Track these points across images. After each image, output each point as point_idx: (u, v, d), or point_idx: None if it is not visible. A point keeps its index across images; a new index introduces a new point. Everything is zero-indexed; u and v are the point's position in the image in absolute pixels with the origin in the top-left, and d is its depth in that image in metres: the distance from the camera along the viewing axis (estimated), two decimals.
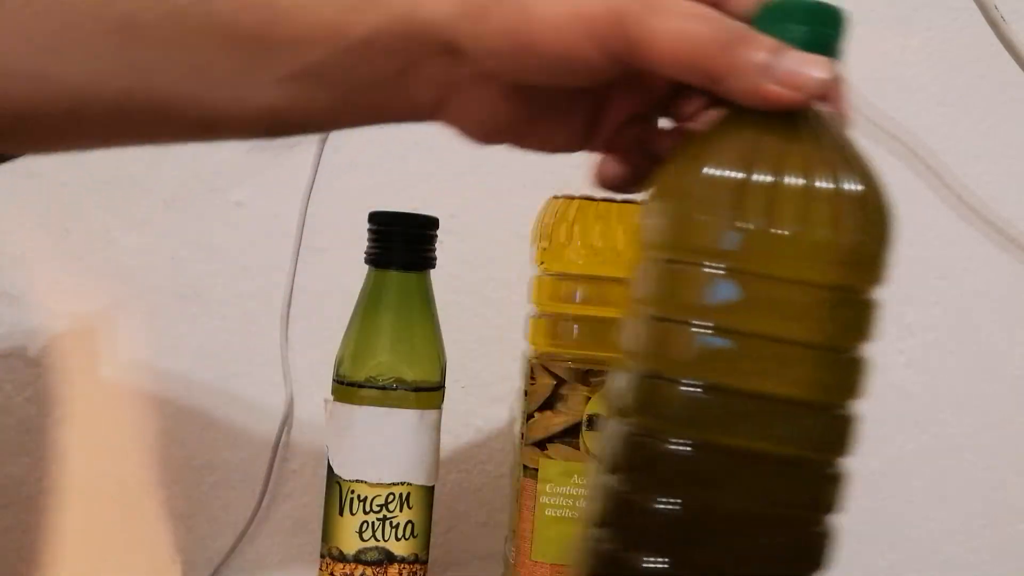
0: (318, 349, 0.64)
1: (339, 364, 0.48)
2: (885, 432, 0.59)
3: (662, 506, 0.30)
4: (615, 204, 0.47)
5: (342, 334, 0.63)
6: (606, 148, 0.36)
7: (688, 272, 0.30)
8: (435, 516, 0.52)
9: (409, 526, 0.47)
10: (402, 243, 0.47)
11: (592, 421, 0.47)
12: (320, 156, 0.63)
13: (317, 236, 0.63)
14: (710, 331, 0.30)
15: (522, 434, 0.49)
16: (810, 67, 0.31)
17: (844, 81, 0.35)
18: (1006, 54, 0.54)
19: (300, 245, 0.63)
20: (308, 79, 0.31)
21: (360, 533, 0.46)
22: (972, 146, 0.59)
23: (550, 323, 0.49)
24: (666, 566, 0.30)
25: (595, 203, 0.47)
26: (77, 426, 0.64)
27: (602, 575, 0.32)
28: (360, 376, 0.47)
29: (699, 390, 0.30)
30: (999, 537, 0.59)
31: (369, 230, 0.49)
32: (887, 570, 0.60)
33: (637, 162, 0.35)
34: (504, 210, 0.62)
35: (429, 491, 0.48)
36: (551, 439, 0.48)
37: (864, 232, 0.30)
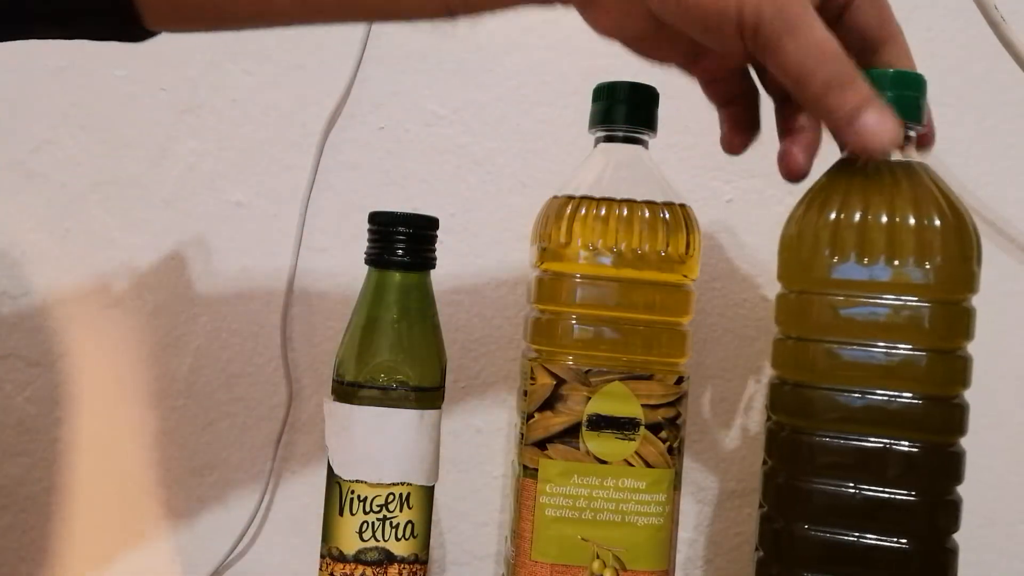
0: (318, 349, 0.64)
1: (339, 364, 0.48)
2: None
3: (804, 486, 0.42)
4: (615, 203, 0.47)
5: (342, 334, 0.63)
6: (705, 80, 0.45)
7: (813, 300, 0.43)
8: (435, 516, 0.52)
9: (409, 526, 0.47)
10: (402, 243, 0.47)
11: (592, 421, 0.47)
12: (320, 156, 0.63)
13: (317, 236, 0.64)
14: (840, 345, 0.42)
15: (522, 434, 0.49)
16: (884, 127, 0.38)
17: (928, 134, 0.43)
18: (1006, 54, 0.54)
19: (300, 245, 0.63)
20: None
21: (360, 533, 0.46)
22: (972, 146, 0.59)
23: (550, 323, 0.49)
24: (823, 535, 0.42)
25: (595, 203, 0.47)
26: (77, 426, 0.64)
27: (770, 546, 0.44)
28: (360, 376, 0.47)
29: (831, 393, 0.42)
30: (999, 537, 0.59)
31: (369, 230, 0.49)
32: None
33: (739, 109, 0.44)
34: (504, 210, 0.62)
35: (429, 491, 0.48)
36: (551, 439, 0.48)
37: (948, 254, 0.41)
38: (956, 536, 0.43)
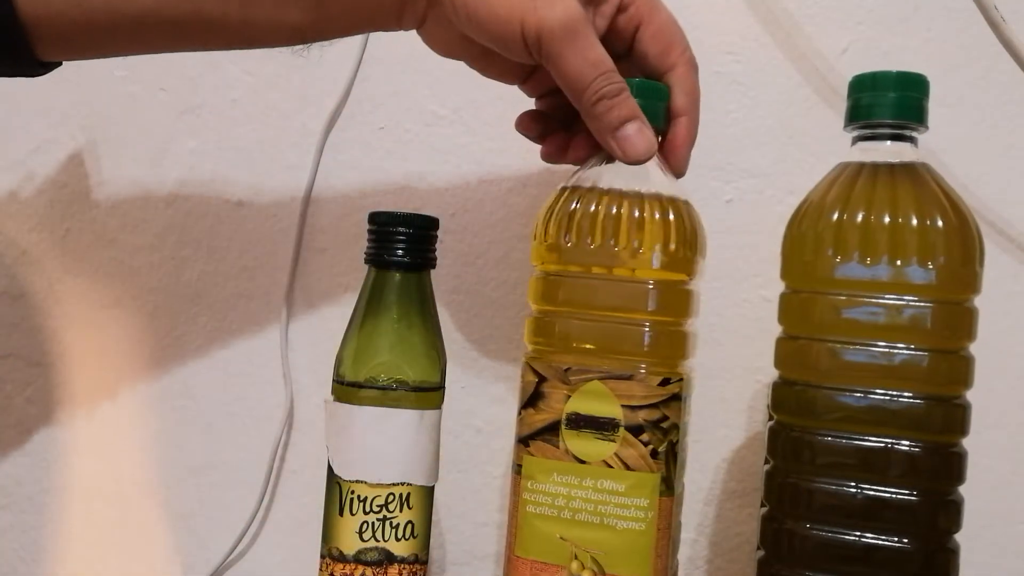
0: (318, 349, 0.64)
1: (339, 364, 0.48)
2: None
3: (807, 486, 0.42)
4: (610, 203, 0.47)
5: (342, 334, 0.63)
6: (536, 96, 0.51)
7: (816, 300, 0.43)
8: (435, 516, 0.52)
9: (409, 526, 0.47)
10: (402, 243, 0.47)
11: (571, 420, 0.47)
12: (320, 156, 0.63)
13: (317, 236, 0.64)
14: (843, 345, 0.42)
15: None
16: (640, 139, 0.44)
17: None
18: (1006, 54, 0.54)
19: (300, 245, 0.63)
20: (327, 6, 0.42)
21: (360, 533, 0.46)
22: (972, 146, 0.59)
23: (538, 320, 0.49)
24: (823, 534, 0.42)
25: (590, 203, 0.47)
26: (77, 426, 0.64)
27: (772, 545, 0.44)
28: (360, 376, 0.47)
29: (834, 393, 0.42)
30: (999, 537, 0.59)
31: (369, 230, 0.49)
32: None
33: (550, 120, 0.49)
34: (504, 210, 0.62)
35: (429, 491, 0.48)
36: (533, 436, 0.48)
37: (951, 255, 0.41)
38: (957, 536, 0.43)
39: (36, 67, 0.43)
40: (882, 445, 0.42)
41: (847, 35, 0.60)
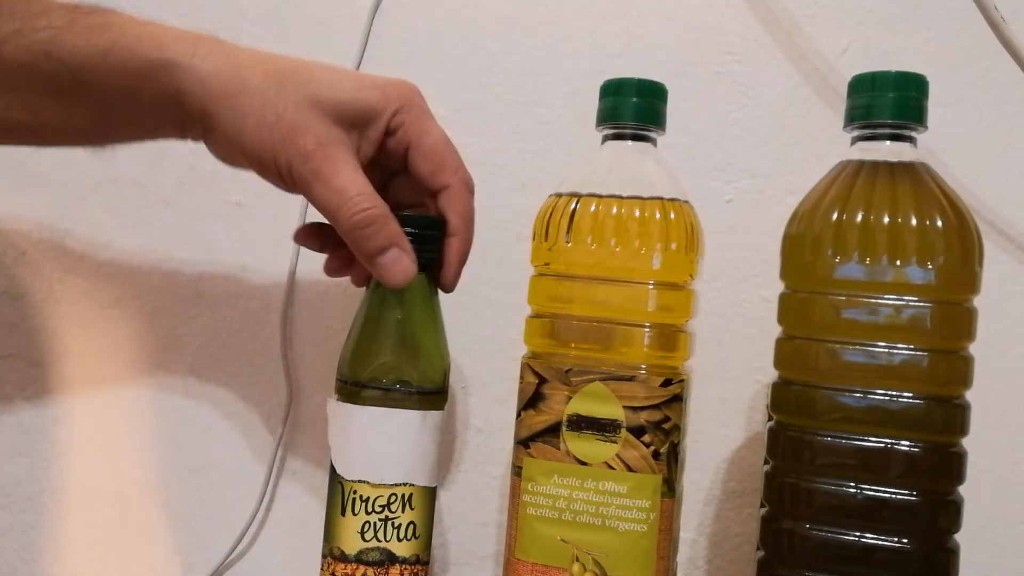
0: (318, 349, 0.64)
1: (342, 364, 0.48)
2: None
3: (806, 486, 0.43)
4: (611, 203, 0.47)
5: (342, 334, 0.63)
6: None
7: (816, 300, 0.43)
8: (436, 516, 0.52)
9: (411, 527, 0.47)
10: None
11: (572, 421, 0.47)
12: None
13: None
14: (842, 345, 0.42)
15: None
16: (398, 266, 0.45)
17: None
18: (1006, 54, 0.54)
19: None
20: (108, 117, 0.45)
21: (362, 533, 0.46)
22: (972, 146, 0.59)
23: (539, 322, 0.49)
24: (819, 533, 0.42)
25: (591, 203, 0.47)
26: (77, 426, 0.64)
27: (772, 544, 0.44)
28: (363, 376, 0.47)
29: (823, 391, 0.42)
30: (999, 537, 0.59)
31: None
32: None
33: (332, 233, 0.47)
34: (504, 210, 0.62)
35: (431, 492, 0.48)
36: (533, 438, 0.48)
37: (950, 255, 0.41)
38: (957, 536, 0.43)
39: None
40: (882, 445, 0.42)
41: (847, 35, 0.60)
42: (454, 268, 0.48)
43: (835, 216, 0.43)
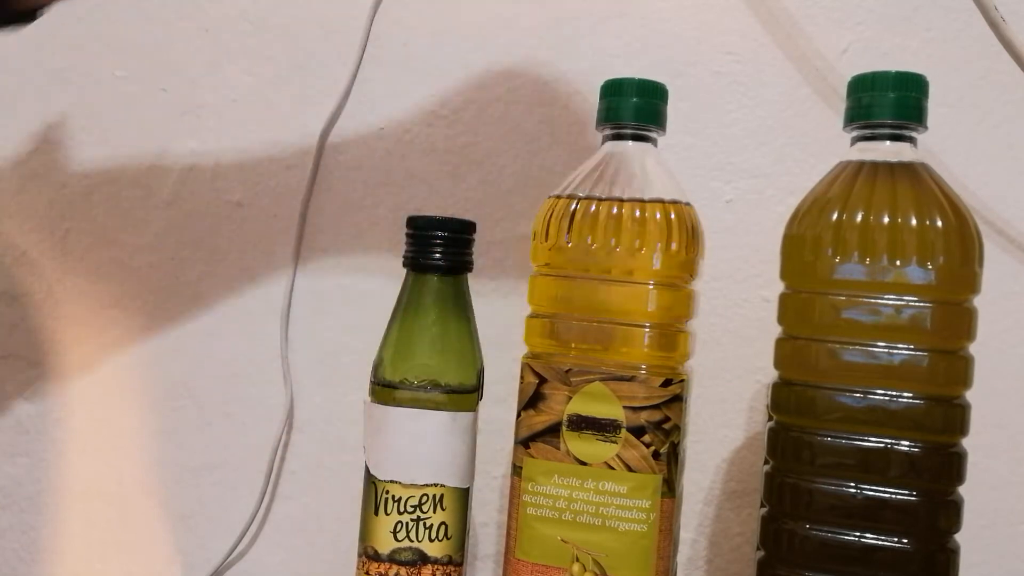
0: (318, 349, 0.64)
1: (376, 366, 0.48)
2: None
3: (806, 485, 0.43)
4: (611, 204, 0.47)
5: (342, 334, 0.63)
6: None
7: (816, 300, 0.43)
8: None
9: (443, 527, 0.47)
10: (440, 247, 0.48)
11: (572, 421, 0.47)
12: (320, 156, 0.63)
13: (317, 236, 0.64)
14: (842, 345, 0.42)
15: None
16: None
17: None
18: (1006, 54, 0.54)
19: (300, 245, 0.63)
20: None
21: (394, 533, 0.47)
22: (972, 146, 0.59)
23: (541, 323, 0.49)
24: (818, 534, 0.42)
25: (591, 204, 0.47)
26: (77, 426, 0.64)
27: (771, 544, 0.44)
28: (395, 377, 0.47)
29: (832, 392, 0.42)
30: (999, 537, 0.59)
31: (407, 234, 0.49)
32: None
33: None
34: (504, 210, 0.62)
35: (463, 493, 0.48)
36: (533, 438, 0.48)
37: (950, 255, 0.41)
38: (957, 536, 0.43)
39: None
40: (882, 445, 0.42)
41: (847, 35, 0.60)
42: None
43: (835, 216, 0.43)
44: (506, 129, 0.63)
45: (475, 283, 0.61)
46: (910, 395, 0.42)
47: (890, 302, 0.42)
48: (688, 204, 0.48)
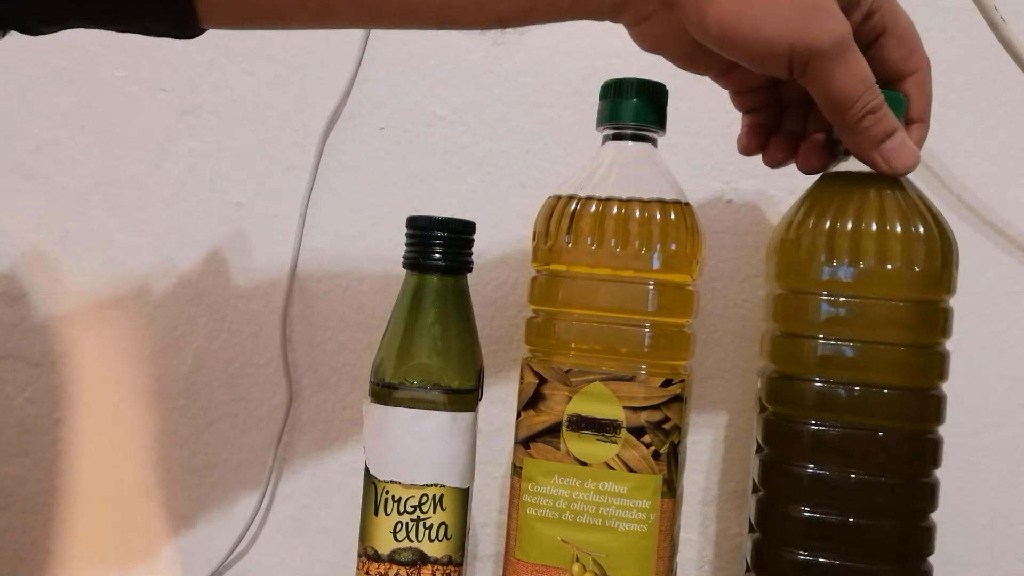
0: (318, 349, 0.64)
1: (376, 366, 0.48)
2: None
3: (798, 470, 0.46)
4: (611, 204, 0.47)
5: (342, 334, 0.63)
6: (735, 90, 0.49)
7: (807, 300, 0.46)
8: None
9: (443, 527, 0.47)
10: (440, 247, 0.48)
11: (572, 421, 0.47)
12: (320, 156, 0.63)
13: (317, 236, 0.64)
14: (828, 341, 0.45)
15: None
16: (905, 154, 0.44)
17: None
18: (1006, 54, 0.54)
19: (300, 245, 0.63)
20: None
21: (394, 533, 0.47)
22: (972, 146, 0.59)
23: (540, 323, 0.49)
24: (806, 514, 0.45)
25: (591, 204, 0.47)
26: (77, 426, 0.64)
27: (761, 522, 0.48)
28: (395, 378, 0.47)
29: (819, 384, 0.46)
30: (999, 537, 0.59)
31: (407, 234, 0.49)
32: None
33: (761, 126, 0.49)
34: (504, 210, 0.62)
35: (463, 493, 0.48)
36: (533, 438, 0.48)
37: (933, 259, 0.45)
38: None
39: (195, 32, 0.41)
40: (867, 433, 0.45)
41: None
42: (915, 153, 0.46)
43: (828, 224, 0.46)
44: (506, 129, 0.63)
45: (475, 283, 0.61)
46: (892, 386, 0.45)
47: (876, 301, 0.45)
48: (688, 204, 0.48)
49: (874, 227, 0.45)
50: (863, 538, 0.45)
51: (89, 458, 0.64)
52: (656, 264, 0.46)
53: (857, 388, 0.45)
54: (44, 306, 0.64)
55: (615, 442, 0.46)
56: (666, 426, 0.46)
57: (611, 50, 0.62)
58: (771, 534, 0.47)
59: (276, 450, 0.63)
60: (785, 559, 0.46)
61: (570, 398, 0.47)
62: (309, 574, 0.63)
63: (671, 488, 0.47)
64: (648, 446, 0.46)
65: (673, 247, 0.46)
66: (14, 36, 0.40)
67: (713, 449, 0.61)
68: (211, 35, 0.65)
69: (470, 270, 0.49)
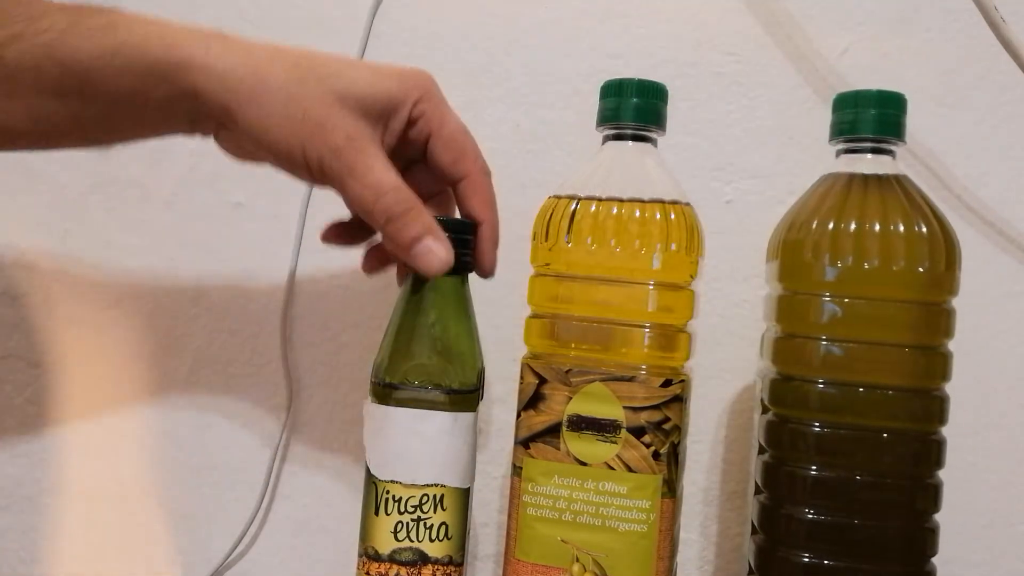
0: (318, 349, 0.64)
1: (377, 366, 0.48)
2: None
3: (802, 472, 0.46)
4: (611, 204, 0.47)
5: (342, 334, 0.63)
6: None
7: (810, 301, 0.46)
8: None
9: (443, 527, 0.47)
10: None
11: (572, 422, 0.47)
12: None
13: (317, 237, 0.63)
14: (831, 342, 0.46)
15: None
16: (435, 254, 0.45)
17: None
18: (1006, 55, 0.54)
19: (300, 245, 0.63)
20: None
21: (395, 533, 0.47)
22: (972, 147, 0.59)
23: (541, 323, 0.49)
24: (811, 517, 0.45)
25: (591, 204, 0.47)
26: (77, 426, 0.64)
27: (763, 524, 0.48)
28: (395, 378, 0.47)
29: (823, 386, 0.46)
30: (999, 537, 0.59)
31: None
32: None
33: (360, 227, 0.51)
34: (504, 210, 0.62)
35: (463, 493, 0.48)
36: (533, 438, 0.48)
37: (937, 260, 0.45)
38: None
39: None
40: (870, 434, 0.45)
41: (847, 36, 0.60)
42: (488, 254, 0.49)
43: (831, 225, 0.46)
44: (506, 129, 0.63)
45: (475, 283, 0.61)
46: (895, 388, 0.45)
47: (879, 301, 0.45)
48: (688, 204, 0.48)
49: (877, 228, 0.45)
50: (867, 540, 0.45)
51: (89, 458, 0.64)
52: (656, 264, 0.46)
53: (861, 389, 0.45)
54: (44, 306, 0.64)
55: (615, 442, 0.46)
56: (666, 426, 0.46)
57: (611, 50, 0.62)
58: (774, 536, 0.47)
59: (276, 450, 0.63)
60: (789, 561, 0.46)
61: (570, 398, 0.47)
62: (309, 574, 0.63)
63: (671, 488, 0.47)
64: (648, 446, 0.46)
65: (673, 247, 0.46)
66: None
67: (713, 449, 0.61)
68: None
69: (471, 270, 0.49)
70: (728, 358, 0.60)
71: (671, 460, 0.47)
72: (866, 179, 0.47)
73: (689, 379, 0.48)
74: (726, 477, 0.61)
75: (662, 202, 0.47)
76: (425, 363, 0.47)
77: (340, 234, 0.52)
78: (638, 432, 0.46)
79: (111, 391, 0.64)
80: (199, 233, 0.64)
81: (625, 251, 0.46)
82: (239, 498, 0.63)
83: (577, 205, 0.48)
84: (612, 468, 0.46)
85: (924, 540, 0.46)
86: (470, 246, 0.49)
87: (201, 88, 0.42)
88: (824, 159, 0.51)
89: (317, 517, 0.64)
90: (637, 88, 0.48)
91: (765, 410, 0.49)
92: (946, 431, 0.47)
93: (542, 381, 0.48)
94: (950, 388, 0.47)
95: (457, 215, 0.50)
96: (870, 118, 0.48)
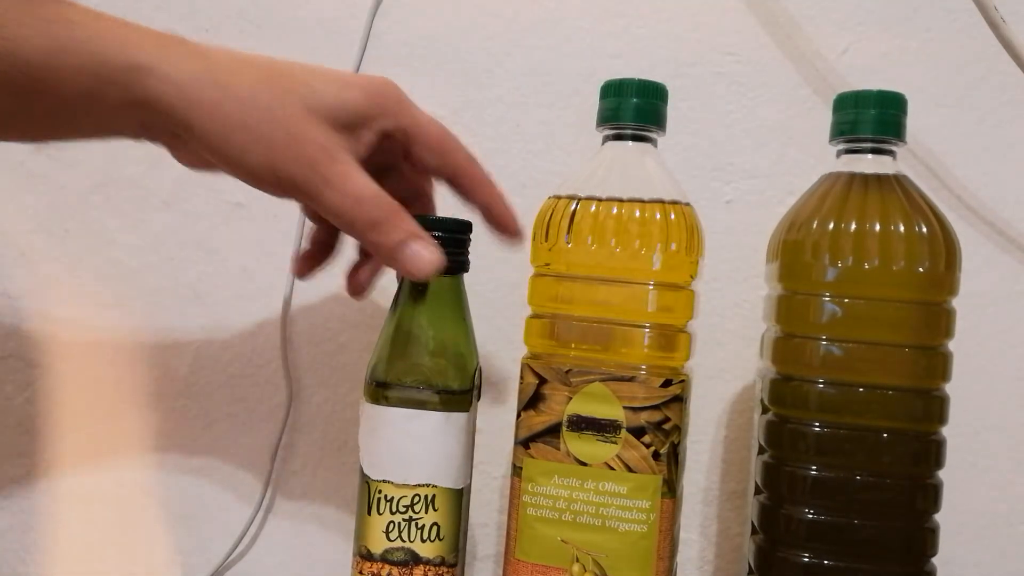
0: (318, 349, 0.64)
1: (371, 366, 0.48)
2: None
3: (802, 472, 0.46)
4: (611, 204, 0.47)
5: (342, 334, 0.63)
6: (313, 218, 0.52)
7: (810, 301, 0.46)
8: None
9: (435, 528, 0.47)
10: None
11: (572, 422, 0.47)
12: None
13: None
14: (831, 342, 0.46)
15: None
16: (420, 261, 0.44)
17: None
18: (1006, 54, 0.54)
19: (300, 245, 0.63)
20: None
21: (387, 533, 0.47)
22: (972, 147, 0.59)
23: (541, 323, 0.49)
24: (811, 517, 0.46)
25: (591, 204, 0.47)
26: (77, 426, 0.64)
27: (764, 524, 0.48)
28: (389, 377, 0.47)
29: (823, 386, 0.46)
30: (999, 537, 0.59)
31: None
32: None
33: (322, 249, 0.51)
34: None
35: (456, 494, 0.48)
36: (533, 438, 0.48)
37: (937, 260, 0.45)
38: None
39: None
40: (870, 434, 0.45)
41: (847, 36, 0.60)
42: (510, 220, 0.49)
43: (831, 225, 0.46)
44: (506, 129, 0.63)
45: (474, 283, 0.61)
46: (896, 388, 0.45)
47: (879, 302, 0.45)
48: (688, 204, 0.48)
49: (877, 228, 0.45)
50: (867, 540, 0.45)
51: (89, 458, 0.64)
52: (656, 264, 0.46)
53: (860, 389, 0.45)
54: (44, 306, 0.64)
55: (615, 442, 0.46)
56: (666, 426, 0.46)
57: (611, 50, 0.62)
58: (775, 536, 0.47)
59: (276, 450, 0.63)
60: (789, 561, 0.46)
61: (570, 398, 0.47)
62: (309, 574, 0.63)
63: (671, 488, 0.47)
64: (648, 446, 0.46)
65: (673, 247, 0.46)
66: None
67: (713, 449, 0.61)
68: (211, 35, 0.65)
69: (466, 270, 0.49)
70: (728, 358, 0.60)
71: (671, 460, 0.47)
72: (866, 179, 0.47)
73: (689, 379, 0.48)
74: (726, 477, 0.61)
75: (662, 202, 0.47)
76: (417, 363, 0.47)
77: (309, 259, 0.52)
78: (638, 432, 0.46)
79: (111, 391, 0.64)
80: (199, 233, 0.64)
81: (625, 251, 0.46)
82: (239, 498, 0.63)
83: (577, 205, 0.47)
84: (612, 468, 0.46)
85: (924, 540, 0.46)
86: (464, 246, 0.49)
87: (156, 97, 0.40)
88: (824, 159, 0.51)
89: (317, 517, 0.64)
90: (637, 88, 0.48)
91: (765, 410, 0.49)
92: (946, 431, 0.47)
93: (542, 381, 0.48)
94: (950, 388, 0.47)
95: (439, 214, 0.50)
96: (870, 118, 0.48)
